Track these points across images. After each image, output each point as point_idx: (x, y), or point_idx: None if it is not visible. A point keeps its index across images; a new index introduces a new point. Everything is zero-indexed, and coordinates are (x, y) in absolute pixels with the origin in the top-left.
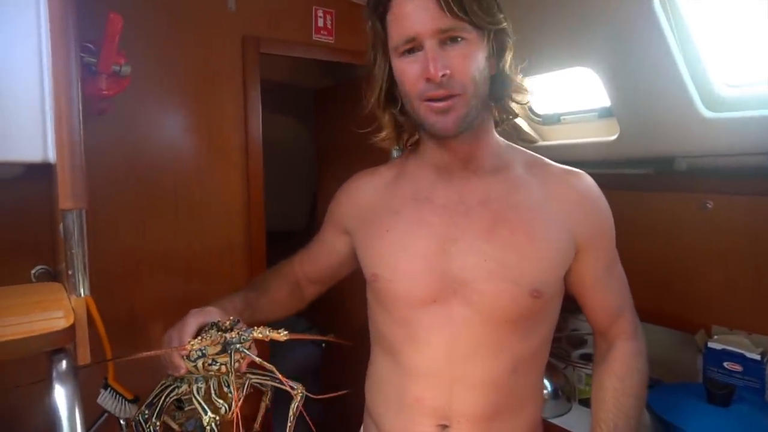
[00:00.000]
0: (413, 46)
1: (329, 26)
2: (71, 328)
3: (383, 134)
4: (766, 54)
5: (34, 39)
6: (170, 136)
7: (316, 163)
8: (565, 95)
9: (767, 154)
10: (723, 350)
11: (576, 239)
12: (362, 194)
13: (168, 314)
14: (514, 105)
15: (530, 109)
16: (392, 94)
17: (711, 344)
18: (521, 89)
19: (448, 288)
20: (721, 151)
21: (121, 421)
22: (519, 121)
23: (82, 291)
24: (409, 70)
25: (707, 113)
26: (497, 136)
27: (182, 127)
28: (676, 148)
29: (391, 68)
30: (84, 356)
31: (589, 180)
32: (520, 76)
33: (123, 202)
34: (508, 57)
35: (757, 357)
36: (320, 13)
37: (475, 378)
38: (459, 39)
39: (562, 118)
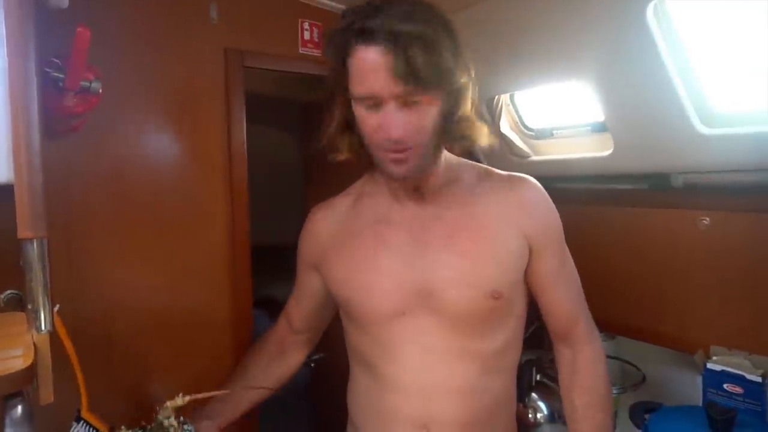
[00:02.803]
0: (373, 103)
1: (316, 39)
2: (30, 369)
3: (342, 157)
4: (762, 69)
5: None
6: (149, 153)
7: (303, 177)
8: (557, 109)
9: (765, 171)
10: (723, 371)
11: (528, 240)
12: (322, 229)
13: (149, 335)
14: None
15: (523, 124)
16: (350, 122)
17: (710, 365)
18: (471, 136)
19: (415, 300)
20: (718, 167)
21: None
22: (511, 135)
23: (44, 326)
24: (368, 120)
25: (703, 129)
26: (448, 154)
27: (161, 143)
28: (672, 164)
29: (349, 103)
30: (47, 396)
31: (534, 183)
32: (480, 107)
33: (100, 223)
34: (466, 104)
35: (758, 379)
36: (306, 26)
37: (449, 384)
38: (415, 102)
39: (554, 132)
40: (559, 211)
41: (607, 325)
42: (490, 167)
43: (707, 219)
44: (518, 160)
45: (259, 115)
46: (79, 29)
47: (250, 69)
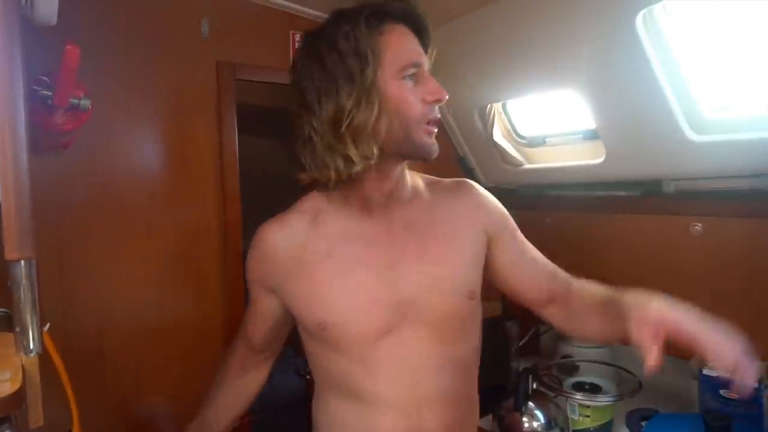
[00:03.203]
0: (416, 72)
1: None
2: (19, 393)
3: (357, 168)
4: (752, 76)
5: None
6: (140, 168)
7: (296, 187)
8: (550, 117)
9: (755, 177)
10: (719, 377)
11: (488, 234)
12: (277, 249)
13: (141, 349)
14: None
15: (515, 132)
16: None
17: (706, 371)
18: None
19: (397, 314)
20: (709, 173)
21: None
22: (503, 143)
23: (33, 349)
24: (410, 93)
25: (694, 136)
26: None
27: (153, 157)
28: (664, 171)
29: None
30: (37, 419)
31: (474, 183)
32: None
33: (91, 237)
34: None
35: (755, 385)
36: (298, 38)
37: (439, 395)
38: None
39: (547, 140)
40: (552, 217)
41: None
42: (431, 176)
43: (699, 225)
44: (511, 168)
45: (251, 126)
46: (68, 47)
47: (242, 81)
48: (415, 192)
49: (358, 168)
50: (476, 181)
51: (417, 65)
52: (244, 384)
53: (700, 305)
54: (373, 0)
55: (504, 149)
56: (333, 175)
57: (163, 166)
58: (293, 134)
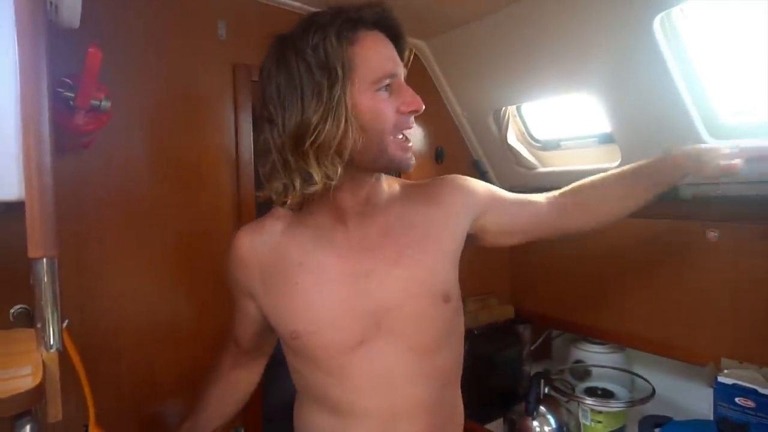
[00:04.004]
0: (390, 82)
1: None
2: (39, 387)
3: (319, 186)
4: None
5: (6, 73)
6: (157, 168)
7: None
8: (564, 120)
9: None
10: (734, 385)
11: (478, 214)
12: (253, 254)
13: (156, 348)
14: None
15: (529, 135)
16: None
17: (721, 378)
18: None
19: (371, 324)
20: (726, 178)
21: None
22: (518, 146)
23: (53, 344)
24: (385, 104)
25: (711, 140)
26: None
27: (170, 158)
28: None
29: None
30: (55, 413)
31: (453, 175)
32: None
33: (108, 237)
34: None
35: None
36: None
37: (415, 406)
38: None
39: (561, 143)
40: None
41: (616, 336)
42: (410, 180)
43: (716, 231)
44: (525, 171)
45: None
46: (90, 50)
47: (258, 83)
48: (392, 197)
49: (317, 188)
50: (490, 183)
51: (392, 76)
52: (234, 385)
53: (717, 311)
54: (349, 3)
55: (518, 152)
56: (288, 196)
57: (179, 166)
58: (254, 146)
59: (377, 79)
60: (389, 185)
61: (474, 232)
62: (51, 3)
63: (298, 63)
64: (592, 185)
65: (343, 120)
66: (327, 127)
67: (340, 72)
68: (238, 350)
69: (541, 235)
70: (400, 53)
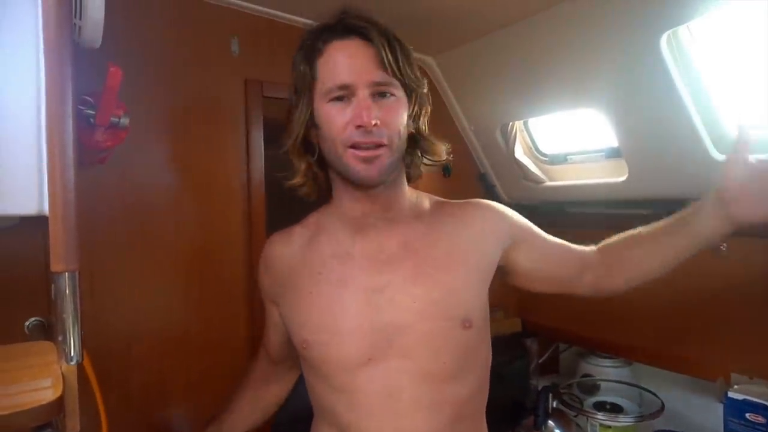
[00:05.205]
0: (344, 94)
1: None
2: (59, 400)
3: (296, 180)
4: None
5: (31, 91)
6: (169, 182)
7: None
8: (571, 135)
9: None
10: (745, 400)
11: (509, 244)
12: (279, 260)
13: (168, 360)
14: (426, 160)
15: (536, 149)
16: (309, 141)
17: (731, 394)
18: (435, 149)
19: (382, 341)
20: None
21: None
22: (525, 160)
23: (74, 357)
24: (336, 116)
25: (718, 155)
26: (408, 186)
27: (182, 172)
28: (687, 190)
29: (311, 113)
30: (73, 426)
31: (487, 201)
32: (432, 137)
33: (121, 250)
34: (425, 119)
35: None
36: None
37: None
38: (388, 95)
39: (568, 157)
40: (574, 235)
41: (625, 350)
42: (441, 198)
43: (725, 245)
44: (532, 185)
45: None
46: (111, 69)
47: (269, 98)
48: (419, 212)
49: (296, 181)
50: (497, 197)
51: (344, 87)
52: (262, 394)
53: (727, 326)
54: (339, 14)
55: (525, 166)
56: (297, 180)
57: (191, 179)
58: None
59: (327, 90)
60: (418, 199)
61: (504, 264)
62: (75, 24)
63: (293, 69)
64: (636, 244)
65: (304, 126)
66: (297, 127)
67: (309, 80)
68: (268, 361)
69: (579, 286)
70: (389, 60)
